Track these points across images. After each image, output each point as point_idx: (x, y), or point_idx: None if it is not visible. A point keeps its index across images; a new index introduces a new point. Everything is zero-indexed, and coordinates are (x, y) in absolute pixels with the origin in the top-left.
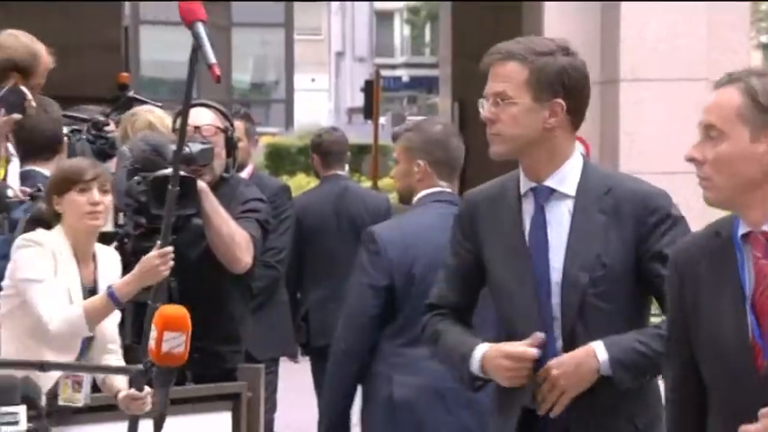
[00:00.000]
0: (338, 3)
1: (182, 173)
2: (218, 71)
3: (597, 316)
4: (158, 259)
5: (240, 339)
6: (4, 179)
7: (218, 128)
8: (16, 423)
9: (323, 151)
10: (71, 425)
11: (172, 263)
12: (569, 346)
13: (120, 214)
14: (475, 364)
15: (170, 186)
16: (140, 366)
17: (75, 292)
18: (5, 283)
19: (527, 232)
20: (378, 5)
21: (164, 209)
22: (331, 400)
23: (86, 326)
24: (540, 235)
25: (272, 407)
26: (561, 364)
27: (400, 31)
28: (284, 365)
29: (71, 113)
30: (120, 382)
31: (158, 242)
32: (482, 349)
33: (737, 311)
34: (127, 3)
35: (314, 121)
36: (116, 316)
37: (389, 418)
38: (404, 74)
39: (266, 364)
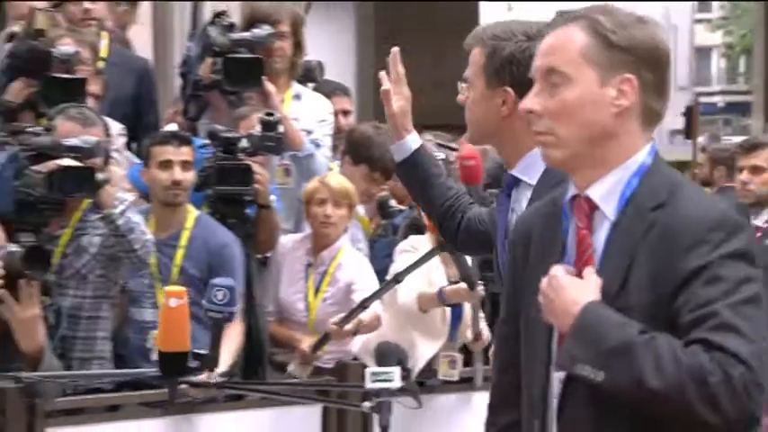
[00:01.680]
0: None
1: None
2: None
3: None
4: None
5: None
6: None
7: None
8: (392, 380)
9: (731, 164)
10: (432, 393)
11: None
12: None
13: None
14: None
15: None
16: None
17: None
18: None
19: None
20: (697, 42)
21: None
22: None
23: (416, 307)
24: (501, 223)
25: None
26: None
27: (717, 63)
28: None
29: (443, 143)
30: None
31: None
32: None
33: None
34: None
35: None
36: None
37: None
38: (719, 100)
39: None
